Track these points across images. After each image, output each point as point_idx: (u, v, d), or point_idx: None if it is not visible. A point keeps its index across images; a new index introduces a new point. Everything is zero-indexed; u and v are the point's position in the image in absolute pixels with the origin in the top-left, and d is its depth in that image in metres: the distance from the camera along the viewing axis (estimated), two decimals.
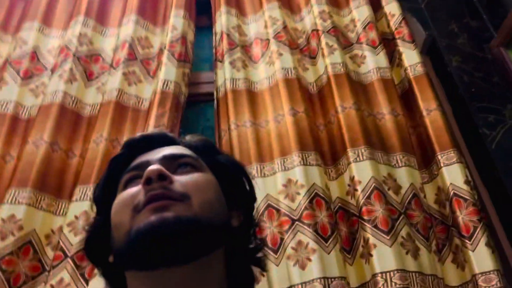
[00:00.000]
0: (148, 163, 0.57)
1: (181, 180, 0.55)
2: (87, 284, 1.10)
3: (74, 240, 1.16)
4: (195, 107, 1.69)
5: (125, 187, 0.58)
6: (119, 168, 0.62)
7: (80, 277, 1.12)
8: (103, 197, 0.63)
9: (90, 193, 1.23)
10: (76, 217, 1.20)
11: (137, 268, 0.52)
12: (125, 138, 1.38)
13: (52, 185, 1.27)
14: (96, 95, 1.52)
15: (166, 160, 0.58)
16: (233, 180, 0.66)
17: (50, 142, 1.32)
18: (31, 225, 1.19)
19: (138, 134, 0.67)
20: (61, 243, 1.16)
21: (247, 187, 0.69)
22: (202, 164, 0.62)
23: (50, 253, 1.18)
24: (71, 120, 1.42)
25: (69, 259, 1.13)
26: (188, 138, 0.69)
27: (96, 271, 1.09)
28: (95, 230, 0.63)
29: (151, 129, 1.33)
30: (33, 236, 1.18)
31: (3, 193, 1.23)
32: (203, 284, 0.52)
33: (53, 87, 1.46)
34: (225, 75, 1.52)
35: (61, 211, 1.25)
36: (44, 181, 1.26)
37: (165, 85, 1.45)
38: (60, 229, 1.20)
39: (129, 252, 0.51)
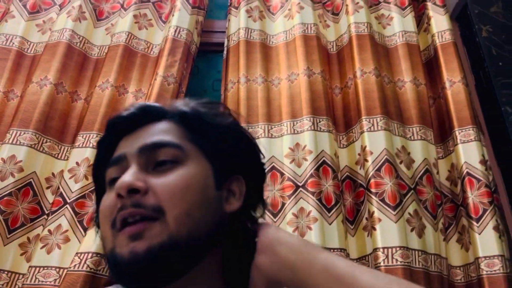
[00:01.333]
0: (125, 158, 0.54)
1: (157, 186, 0.51)
2: (85, 231, 1.09)
3: (75, 186, 1.14)
4: (206, 57, 1.62)
5: (108, 184, 0.56)
6: (107, 150, 0.59)
7: (78, 224, 1.11)
8: (97, 180, 0.61)
9: (93, 140, 1.19)
10: (78, 164, 1.17)
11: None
12: (132, 85, 1.33)
13: (55, 128, 1.24)
14: (105, 36, 1.45)
15: (144, 153, 0.54)
16: (232, 148, 0.59)
17: (55, 83, 1.27)
18: (31, 167, 1.16)
19: (121, 112, 0.60)
20: (61, 188, 1.14)
21: (253, 158, 0.62)
22: (185, 151, 0.55)
23: (50, 196, 1.17)
24: (77, 61, 1.36)
25: (68, 206, 1.12)
26: (178, 106, 0.60)
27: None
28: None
29: (159, 79, 1.27)
30: (33, 179, 1.16)
31: (4, 132, 1.20)
32: None
33: (60, 25, 1.40)
34: (239, 23, 1.43)
35: (63, 155, 1.23)
36: (47, 123, 1.22)
37: (177, 33, 1.37)
38: (61, 173, 1.18)
39: (114, 274, 0.50)
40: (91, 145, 1.19)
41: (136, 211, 0.49)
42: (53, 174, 1.20)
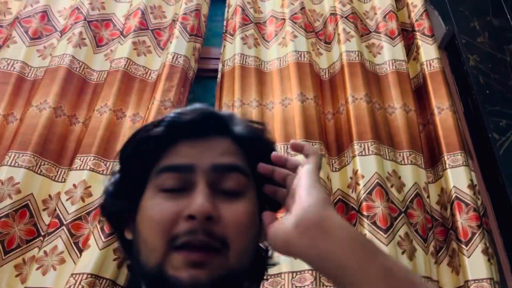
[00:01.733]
0: (192, 169, 0.52)
1: (226, 217, 0.50)
2: (81, 253, 1.10)
3: (71, 208, 1.16)
4: (203, 82, 1.66)
5: (162, 189, 0.52)
6: (155, 147, 0.55)
7: (74, 246, 1.12)
8: (132, 167, 0.57)
9: (90, 163, 1.22)
10: (75, 186, 1.19)
11: None
12: (129, 109, 1.36)
13: (53, 150, 1.26)
14: (104, 62, 1.49)
15: (216, 173, 0.52)
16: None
17: (54, 107, 1.30)
18: (29, 189, 1.18)
19: (184, 112, 0.56)
20: (57, 210, 1.16)
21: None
22: (249, 183, 0.54)
23: (46, 218, 1.18)
24: (77, 86, 1.40)
25: (64, 227, 1.13)
26: (238, 127, 0.58)
27: (90, 242, 1.09)
28: (116, 198, 0.58)
29: (156, 103, 1.31)
30: (30, 200, 1.18)
31: (4, 154, 1.22)
32: None
33: (61, 50, 1.44)
34: (235, 49, 1.48)
35: (60, 177, 1.25)
36: (45, 146, 1.25)
37: (174, 59, 1.42)
38: (58, 195, 1.20)
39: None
40: (88, 168, 1.21)
41: (208, 241, 0.48)
42: (49, 196, 1.22)
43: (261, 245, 0.58)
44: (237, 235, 0.50)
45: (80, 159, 1.23)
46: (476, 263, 1.15)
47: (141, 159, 0.55)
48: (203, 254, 0.48)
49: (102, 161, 1.24)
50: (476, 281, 1.13)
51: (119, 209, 0.57)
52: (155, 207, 0.51)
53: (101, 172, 1.22)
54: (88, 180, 1.19)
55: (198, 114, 0.56)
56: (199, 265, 0.47)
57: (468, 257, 1.16)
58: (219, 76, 1.49)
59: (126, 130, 1.31)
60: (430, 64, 1.50)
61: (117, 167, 0.59)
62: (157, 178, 0.53)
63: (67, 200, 1.18)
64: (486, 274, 1.13)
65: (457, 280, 1.18)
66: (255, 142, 0.58)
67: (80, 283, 1.02)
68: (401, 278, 0.41)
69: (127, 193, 0.56)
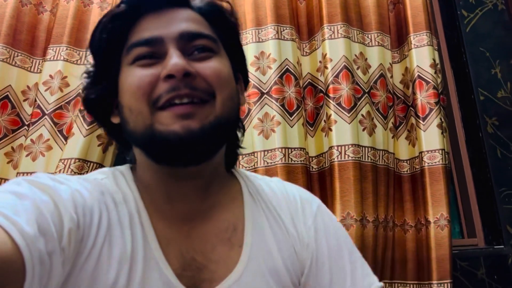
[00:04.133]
0: (161, 41, 0.54)
1: (204, 72, 0.53)
2: (66, 140, 1.18)
3: (51, 98, 1.20)
4: None
5: (134, 62, 0.54)
6: (120, 25, 0.56)
7: (58, 134, 1.19)
8: (102, 50, 0.58)
9: (63, 53, 1.23)
10: (51, 76, 1.22)
11: (154, 161, 0.55)
12: None
13: (25, 41, 1.26)
14: None
15: (183, 40, 0.54)
16: (239, 48, 0.64)
17: None
18: (6, 80, 1.21)
19: None
20: (38, 101, 1.20)
21: (244, 60, 0.67)
22: (219, 44, 0.57)
23: (28, 108, 1.23)
24: None
25: (47, 117, 1.19)
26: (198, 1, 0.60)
27: (73, 130, 1.16)
28: (94, 85, 0.60)
29: None
30: (9, 92, 1.21)
31: None
32: (210, 181, 0.58)
33: None
34: None
35: (36, 68, 1.27)
36: (16, 37, 1.24)
37: None
38: (36, 86, 1.23)
39: (150, 149, 0.53)
40: (62, 58, 1.23)
41: (193, 93, 0.51)
42: (28, 87, 1.25)
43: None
44: (220, 85, 0.53)
45: (53, 50, 1.24)
46: (431, 136, 1.27)
47: (110, 40, 0.56)
48: (189, 106, 0.51)
49: (75, 51, 1.25)
50: (430, 152, 1.26)
51: (100, 94, 0.59)
52: (133, 76, 0.53)
53: (75, 62, 1.24)
54: (63, 70, 1.22)
55: None
56: (188, 116, 0.50)
57: (424, 131, 1.28)
58: None
59: (96, 18, 1.30)
60: None
61: (90, 57, 0.60)
62: (129, 55, 0.55)
63: (45, 90, 1.21)
64: (438, 146, 1.26)
65: (413, 151, 1.31)
66: (217, 13, 0.60)
67: (69, 167, 1.11)
68: None
69: (104, 78, 0.58)
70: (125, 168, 0.61)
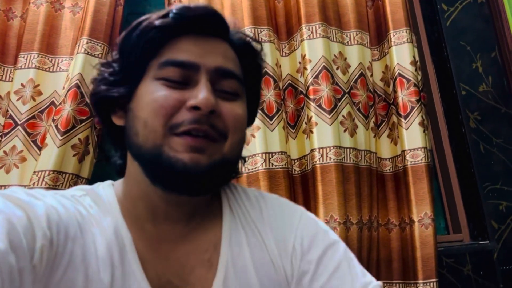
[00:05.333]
0: (197, 68, 0.54)
1: (226, 113, 0.55)
2: (40, 150, 1.14)
3: (23, 108, 1.17)
4: None
5: (163, 79, 0.54)
6: (161, 37, 0.56)
7: (32, 144, 1.15)
8: (134, 55, 0.57)
9: (34, 60, 1.19)
10: (23, 85, 1.18)
11: (151, 181, 0.54)
12: (67, 0, 1.29)
13: None
14: None
15: (217, 75, 0.55)
16: (258, 90, 0.67)
17: None
18: None
19: (190, 7, 0.56)
20: (10, 111, 1.17)
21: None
22: (242, 90, 0.59)
23: (0, 118, 1.19)
24: None
25: (19, 127, 1.15)
26: (234, 33, 0.60)
27: (47, 140, 1.13)
28: (113, 85, 0.59)
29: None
30: None
31: None
32: (198, 207, 0.58)
33: None
34: None
35: (7, 76, 1.23)
36: None
37: None
38: (8, 95, 1.19)
39: (152, 169, 0.53)
40: (33, 66, 1.19)
41: (211, 132, 0.53)
42: (0, 96, 1.21)
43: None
44: (234, 130, 0.55)
45: (24, 57, 1.20)
46: (413, 135, 1.26)
47: (146, 48, 0.56)
48: (203, 140, 0.52)
49: (47, 57, 1.22)
50: (412, 150, 1.25)
51: (115, 96, 0.58)
52: (159, 93, 0.53)
53: (47, 69, 1.21)
54: (35, 78, 1.18)
55: (205, 12, 0.57)
56: (200, 150, 0.52)
57: (406, 129, 1.27)
58: None
59: (67, 22, 1.26)
60: None
61: (116, 55, 0.59)
62: (160, 70, 0.55)
63: (17, 100, 1.18)
64: (421, 144, 1.25)
65: (395, 149, 1.31)
66: (250, 54, 0.62)
67: (43, 180, 1.08)
68: None
69: (124, 81, 0.58)
70: (106, 185, 0.60)
